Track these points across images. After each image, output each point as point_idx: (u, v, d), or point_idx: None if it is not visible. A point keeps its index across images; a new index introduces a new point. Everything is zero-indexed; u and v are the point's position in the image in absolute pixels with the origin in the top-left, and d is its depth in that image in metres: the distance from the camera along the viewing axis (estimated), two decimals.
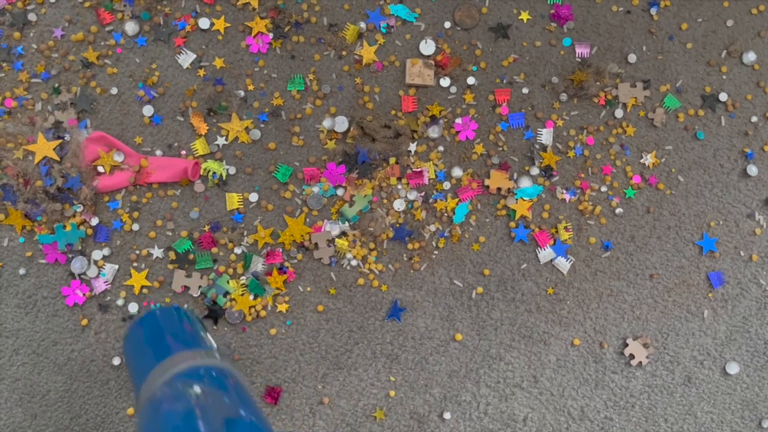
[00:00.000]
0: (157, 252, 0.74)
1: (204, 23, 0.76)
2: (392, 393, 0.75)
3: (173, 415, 0.40)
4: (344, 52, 0.77)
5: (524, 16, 0.79)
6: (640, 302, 0.78)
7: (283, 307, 0.74)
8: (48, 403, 0.72)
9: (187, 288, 0.74)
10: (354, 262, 0.76)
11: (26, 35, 0.75)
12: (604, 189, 0.78)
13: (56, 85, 0.74)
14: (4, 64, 0.74)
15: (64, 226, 0.72)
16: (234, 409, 0.42)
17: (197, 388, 0.44)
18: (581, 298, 0.77)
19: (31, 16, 0.75)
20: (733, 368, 0.78)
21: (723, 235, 0.79)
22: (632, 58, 0.79)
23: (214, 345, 0.52)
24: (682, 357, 0.77)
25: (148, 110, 0.75)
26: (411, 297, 0.76)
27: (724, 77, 0.80)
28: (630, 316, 0.77)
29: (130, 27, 0.75)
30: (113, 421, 0.72)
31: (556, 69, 0.79)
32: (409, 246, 0.76)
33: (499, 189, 0.77)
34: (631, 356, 0.77)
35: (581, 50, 0.79)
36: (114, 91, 0.75)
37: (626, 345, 0.77)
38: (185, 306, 0.73)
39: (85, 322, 0.73)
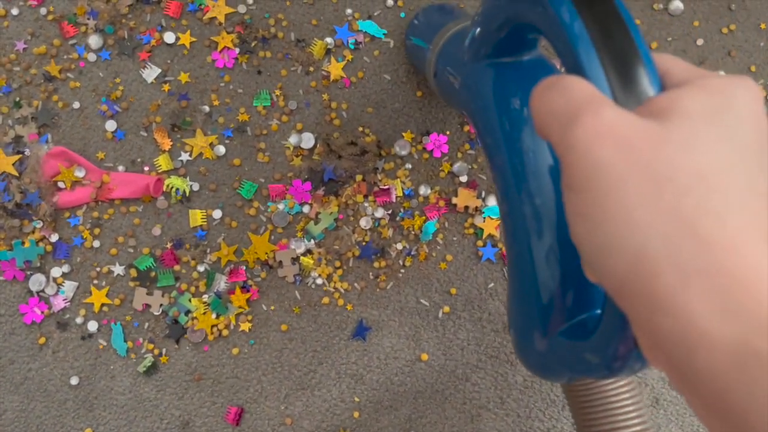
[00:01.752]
0: (118, 269, 0.73)
1: (169, 38, 0.75)
2: (356, 414, 0.74)
3: None
4: (311, 68, 0.77)
5: None
6: None
7: (246, 326, 0.73)
8: (4, 423, 0.71)
9: (148, 306, 0.72)
10: (319, 281, 0.75)
11: None
12: None
13: (17, 99, 0.73)
14: None
15: (23, 243, 0.71)
16: None
17: None
18: None
19: None
20: None
21: None
22: None
23: None
24: (649, 378, 0.77)
25: (111, 125, 0.74)
26: (376, 316, 0.75)
27: None
28: None
29: (94, 40, 0.74)
30: None
31: None
32: (375, 264, 0.75)
33: (466, 207, 0.76)
34: None
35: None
36: (76, 105, 0.74)
37: None
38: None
39: (42, 340, 0.72)
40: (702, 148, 0.23)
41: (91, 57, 0.74)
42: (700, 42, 0.80)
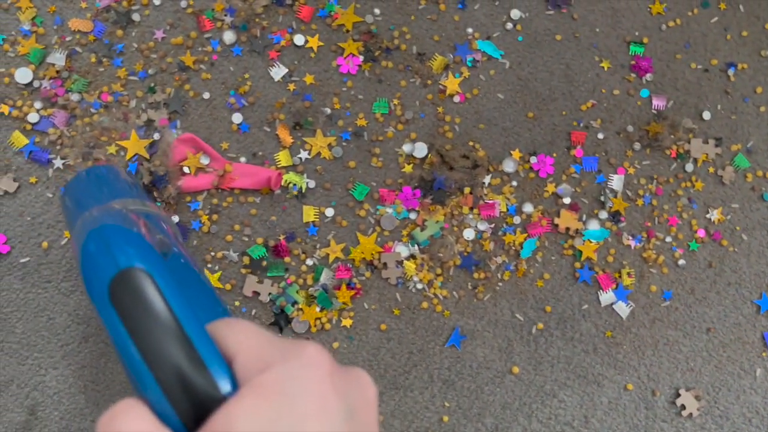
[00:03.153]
0: (232, 255, 0.75)
1: (299, 40, 0.78)
2: (445, 418, 0.76)
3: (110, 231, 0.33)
4: (429, 81, 0.80)
5: (605, 64, 0.81)
6: (695, 354, 0.79)
7: (347, 322, 0.76)
8: (112, 393, 0.74)
9: (257, 293, 0.75)
10: (420, 286, 0.77)
11: (128, 34, 0.77)
12: (668, 239, 0.80)
13: (152, 84, 0.77)
14: (104, 60, 0.77)
15: None
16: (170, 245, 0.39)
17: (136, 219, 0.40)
18: (638, 344, 0.78)
19: (135, 17, 0.77)
20: None
21: None
22: (707, 115, 0.82)
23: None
24: (731, 413, 0.78)
25: (237, 117, 0.77)
26: (472, 326, 0.77)
27: None
28: (684, 367, 0.79)
29: (228, 36, 0.78)
30: None
31: (632, 118, 0.81)
32: (475, 275, 0.77)
33: (567, 229, 0.79)
34: (683, 407, 0.77)
35: (658, 103, 0.81)
36: (206, 95, 0.77)
37: (678, 395, 0.78)
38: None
39: None
40: None
41: (224, 51, 0.78)
42: None
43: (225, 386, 0.25)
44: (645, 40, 0.82)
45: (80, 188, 0.51)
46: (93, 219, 0.35)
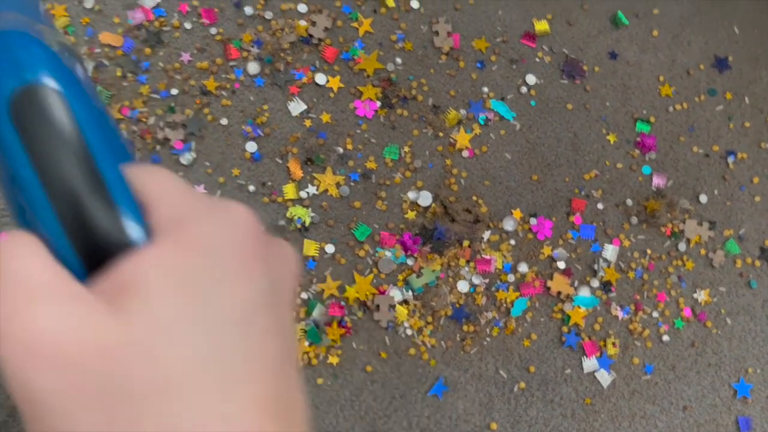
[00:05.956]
0: None
1: (320, 79, 0.81)
2: None
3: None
4: (441, 134, 0.82)
5: (612, 137, 0.84)
6: (670, 431, 0.80)
7: (334, 360, 0.76)
8: None
9: None
10: (409, 332, 0.78)
11: (156, 53, 0.79)
12: (655, 314, 0.82)
13: (172, 104, 0.78)
14: (129, 75, 0.78)
15: None
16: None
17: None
18: (615, 414, 0.80)
19: (165, 37, 0.79)
20: None
21: (758, 384, 0.82)
22: (704, 198, 0.84)
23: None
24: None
25: (251, 146, 0.79)
26: (456, 377, 0.78)
27: None
28: None
29: (252, 67, 0.80)
30: None
31: (632, 193, 0.84)
32: (464, 327, 0.79)
33: (559, 293, 0.80)
34: None
35: (658, 181, 0.84)
36: (224, 121, 0.79)
37: None
38: None
39: None
40: (164, 348, 0.19)
41: (247, 81, 0.80)
42: None
43: (137, 232, 0.22)
44: (652, 119, 0.85)
45: None
46: None
